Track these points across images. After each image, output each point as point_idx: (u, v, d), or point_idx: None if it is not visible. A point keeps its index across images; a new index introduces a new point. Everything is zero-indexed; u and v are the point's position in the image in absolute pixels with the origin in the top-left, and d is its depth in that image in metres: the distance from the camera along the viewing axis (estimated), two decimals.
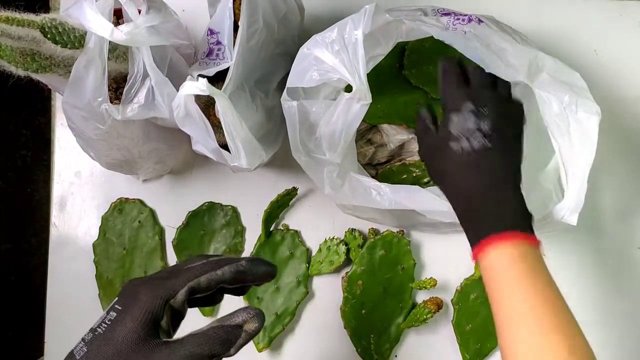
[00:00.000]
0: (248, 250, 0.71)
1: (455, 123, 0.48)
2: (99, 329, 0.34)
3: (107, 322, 0.35)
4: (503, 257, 0.44)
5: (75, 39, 0.51)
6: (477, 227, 0.47)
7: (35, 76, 0.53)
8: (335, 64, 0.50)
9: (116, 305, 0.35)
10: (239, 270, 0.38)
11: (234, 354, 0.35)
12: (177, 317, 0.38)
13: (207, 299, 0.40)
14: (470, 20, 0.55)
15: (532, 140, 0.58)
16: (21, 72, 0.51)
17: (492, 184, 0.47)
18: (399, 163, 0.67)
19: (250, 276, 0.39)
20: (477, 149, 0.47)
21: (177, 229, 0.72)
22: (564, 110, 0.54)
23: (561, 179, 0.55)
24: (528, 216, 0.47)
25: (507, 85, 0.53)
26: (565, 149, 0.54)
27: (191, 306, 0.40)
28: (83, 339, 0.34)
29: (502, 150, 0.48)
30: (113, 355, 0.33)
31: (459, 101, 0.49)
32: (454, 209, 0.50)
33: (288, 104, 0.55)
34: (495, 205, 0.46)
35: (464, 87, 0.51)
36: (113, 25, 0.50)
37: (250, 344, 0.69)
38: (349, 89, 0.51)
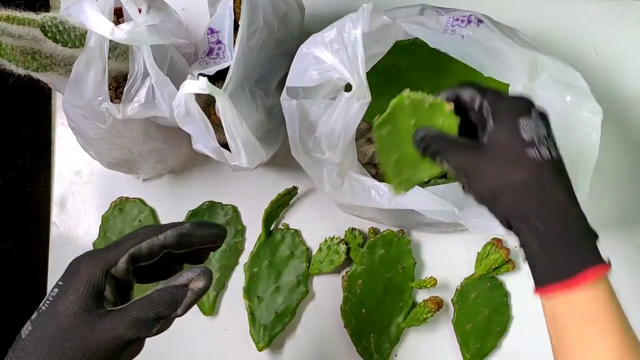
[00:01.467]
0: (248, 250, 0.71)
1: (527, 128, 0.40)
2: (42, 307, 0.35)
3: (50, 299, 0.35)
4: (600, 294, 0.38)
5: (75, 37, 0.51)
6: (568, 255, 0.39)
7: (36, 75, 0.53)
8: (335, 63, 0.50)
9: (59, 282, 0.36)
10: (182, 233, 0.38)
11: (182, 314, 0.35)
12: (125, 287, 0.37)
13: (159, 268, 0.39)
14: (469, 21, 0.55)
15: None
16: (21, 71, 0.51)
17: (572, 199, 0.40)
18: None
19: (196, 239, 0.38)
20: (555, 157, 0.40)
21: None
22: (566, 111, 0.54)
23: None
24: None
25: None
26: (567, 150, 0.54)
27: (143, 280, 0.39)
28: (30, 319, 0.35)
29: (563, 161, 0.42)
30: (57, 330, 0.33)
31: (522, 105, 0.41)
32: (529, 231, 0.39)
33: (287, 103, 0.55)
34: (583, 228, 0.40)
35: (508, 96, 0.44)
36: (113, 24, 0.50)
37: (251, 342, 0.69)
38: (348, 88, 0.51)
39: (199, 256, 0.41)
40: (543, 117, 0.41)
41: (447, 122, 0.44)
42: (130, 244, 0.37)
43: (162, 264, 0.39)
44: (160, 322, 0.35)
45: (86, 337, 0.33)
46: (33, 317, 0.35)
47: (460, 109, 0.44)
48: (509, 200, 0.39)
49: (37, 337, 0.33)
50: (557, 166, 0.40)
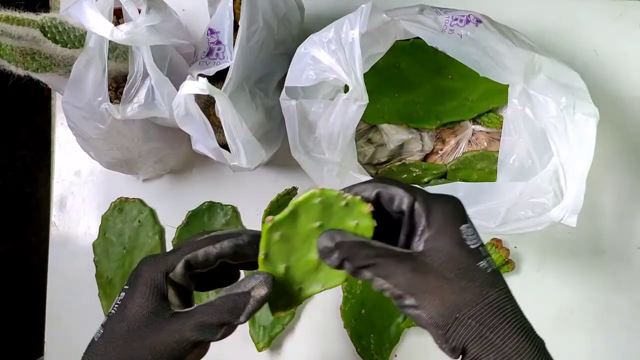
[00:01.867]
0: None
1: (470, 236, 0.35)
2: (112, 311, 0.36)
3: (118, 302, 0.36)
4: None
5: (75, 38, 0.51)
6: None
7: (35, 76, 0.53)
8: (332, 64, 0.50)
9: (125, 286, 0.37)
10: (238, 244, 0.38)
11: (244, 322, 0.35)
12: (184, 291, 0.38)
13: (217, 276, 0.40)
14: (468, 21, 0.55)
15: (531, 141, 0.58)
16: (21, 72, 0.51)
17: (522, 314, 0.36)
18: (399, 163, 0.67)
19: (252, 250, 0.38)
20: (496, 267, 0.35)
21: (177, 228, 0.72)
22: (561, 112, 0.54)
23: (560, 181, 0.55)
24: None
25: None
26: (563, 151, 0.54)
27: (202, 287, 0.40)
28: (101, 324, 0.36)
29: None
30: (126, 331, 0.34)
31: (459, 209, 0.36)
32: (493, 354, 0.33)
33: (287, 103, 0.55)
34: (542, 343, 0.36)
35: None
36: (113, 25, 0.50)
37: (250, 343, 0.69)
38: (347, 88, 0.51)
39: (254, 264, 0.40)
40: (471, 223, 0.36)
41: (363, 225, 0.37)
42: (187, 250, 0.37)
43: (220, 271, 0.39)
44: (223, 327, 0.35)
45: (154, 338, 0.34)
46: (104, 321, 0.36)
47: (377, 210, 0.37)
48: (472, 322, 0.33)
49: (108, 339, 0.35)
50: (502, 278, 0.35)
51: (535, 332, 0.35)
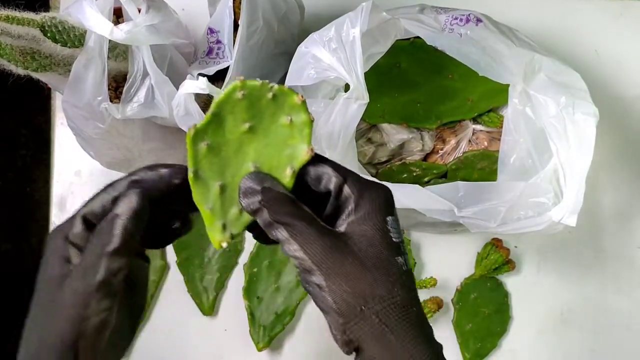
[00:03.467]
0: (248, 250, 0.71)
1: (393, 229, 0.33)
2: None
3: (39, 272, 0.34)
4: None
5: (75, 37, 0.51)
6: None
7: (35, 75, 0.53)
8: (332, 63, 0.50)
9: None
10: (133, 180, 0.35)
11: (120, 244, 0.32)
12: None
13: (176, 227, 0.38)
14: (468, 20, 0.55)
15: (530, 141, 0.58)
16: (21, 71, 0.51)
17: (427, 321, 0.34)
18: (399, 162, 0.67)
19: (150, 183, 0.34)
20: (410, 268, 0.34)
21: None
22: (560, 112, 0.54)
23: (560, 181, 0.55)
24: None
25: None
26: (563, 151, 0.54)
27: (161, 243, 0.38)
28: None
29: None
30: (47, 302, 0.33)
31: (389, 199, 0.34)
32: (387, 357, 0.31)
33: None
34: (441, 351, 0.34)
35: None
36: (113, 24, 0.50)
37: (250, 343, 0.69)
38: (347, 88, 0.51)
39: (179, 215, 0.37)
40: (397, 216, 0.35)
41: (298, 121, 0.34)
42: (83, 207, 0.35)
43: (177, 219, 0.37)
44: (103, 260, 0.32)
45: (66, 301, 0.32)
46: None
47: (298, 186, 0.35)
48: (376, 319, 0.31)
49: (33, 316, 0.34)
50: (414, 279, 0.34)
51: (434, 338, 0.33)
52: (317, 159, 0.34)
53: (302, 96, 0.33)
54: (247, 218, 0.34)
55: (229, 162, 0.33)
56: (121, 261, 0.32)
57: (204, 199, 0.33)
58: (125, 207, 0.33)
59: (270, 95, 0.33)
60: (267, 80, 0.33)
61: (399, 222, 0.34)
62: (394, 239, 0.33)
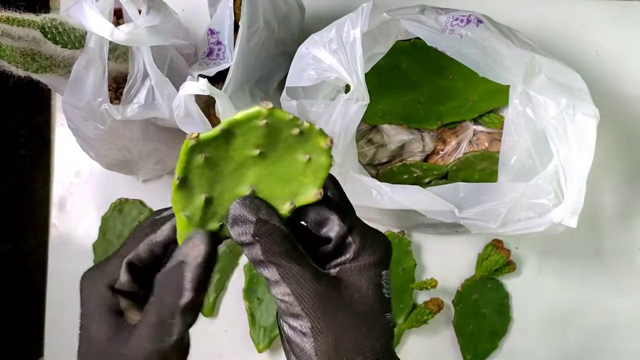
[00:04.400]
0: None
1: (386, 284, 0.32)
2: (80, 334, 0.32)
3: (80, 325, 0.33)
4: None
5: (75, 39, 0.51)
6: None
7: (35, 76, 0.53)
8: (333, 63, 0.50)
9: (81, 307, 0.33)
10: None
11: (193, 296, 0.30)
12: (138, 296, 0.33)
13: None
14: (468, 21, 0.55)
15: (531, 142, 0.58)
16: (21, 72, 0.51)
17: None
18: (400, 163, 0.67)
19: None
20: (394, 325, 0.35)
21: None
22: (561, 113, 0.54)
23: (561, 182, 0.55)
24: None
25: None
26: (564, 152, 0.54)
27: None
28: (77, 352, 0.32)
29: None
30: (96, 355, 0.31)
31: (388, 252, 0.33)
32: None
33: (287, 104, 0.55)
34: None
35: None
36: (113, 26, 0.50)
37: (251, 344, 0.69)
38: (348, 89, 0.51)
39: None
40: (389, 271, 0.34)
41: (317, 162, 0.31)
42: (126, 250, 0.32)
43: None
44: (178, 316, 0.29)
45: None
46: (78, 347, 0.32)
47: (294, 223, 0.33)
48: None
49: None
50: (393, 336, 0.33)
51: None
52: (322, 201, 0.32)
53: (331, 140, 0.30)
54: (224, 234, 0.32)
55: (223, 177, 0.31)
56: (195, 315, 0.30)
57: (184, 206, 0.31)
58: (195, 253, 0.30)
59: (296, 131, 0.30)
60: (297, 116, 0.29)
61: (390, 277, 0.33)
62: (385, 295, 0.32)
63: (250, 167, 0.30)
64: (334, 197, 0.34)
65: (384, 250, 0.32)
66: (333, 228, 0.31)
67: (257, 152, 0.30)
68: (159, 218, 0.33)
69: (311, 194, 0.31)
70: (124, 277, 0.32)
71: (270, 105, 0.28)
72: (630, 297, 0.69)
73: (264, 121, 0.29)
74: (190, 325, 0.31)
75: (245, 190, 0.31)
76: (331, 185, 0.35)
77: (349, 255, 0.31)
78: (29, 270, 0.88)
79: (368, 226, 0.33)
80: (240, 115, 0.29)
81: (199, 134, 0.29)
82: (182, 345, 0.31)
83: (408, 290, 0.68)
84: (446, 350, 0.69)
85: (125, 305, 0.31)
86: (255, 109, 0.28)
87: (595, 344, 0.69)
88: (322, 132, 0.30)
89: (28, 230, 0.92)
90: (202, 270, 0.30)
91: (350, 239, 0.31)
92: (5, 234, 0.90)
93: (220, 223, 0.31)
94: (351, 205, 0.35)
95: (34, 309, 0.75)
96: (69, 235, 0.75)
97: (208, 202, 0.31)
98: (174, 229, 0.32)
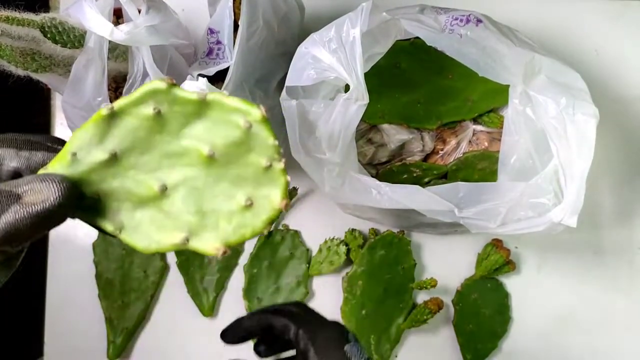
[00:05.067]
0: (248, 250, 0.71)
1: (353, 355, 0.38)
2: None
3: None
4: None
5: (75, 38, 0.51)
6: None
7: (35, 76, 0.53)
8: (332, 63, 0.50)
9: None
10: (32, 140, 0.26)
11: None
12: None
13: None
14: (468, 20, 0.55)
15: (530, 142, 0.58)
16: (21, 72, 0.51)
17: None
18: (400, 163, 0.67)
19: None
20: None
21: None
22: (560, 113, 0.54)
23: (560, 181, 0.55)
24: None
25: None
26: (563, 152, 0.54)
27: None
28: None
29: None
30: None
31: (340, 331, 0.40)
32: None
33: (287, 103, 0.55)
34: None
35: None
36: (113, 25, 0.50)
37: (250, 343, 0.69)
38: (347, 88, 0.51)
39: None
40: (356, 339, 0.39)
41: (246, 219, 0.28)
42: None
43: None
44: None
45: None
46: None
47: (267, 334, 0.43)
48: None
49: None
50: None
51: None
52: (270, 311, 0.42)
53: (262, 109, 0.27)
54: (94, 216, 0.27)
55: (151, 152, 0.26)
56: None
57: (83, 145, 0.25)
58: (40, 197, 0.24)
59: (264, 164, 0.28)
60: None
61: (358, 343, 0.38)
62: None
63: (189, 165, 0.26)
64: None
65: (333, 332, 0.39)
66: (288, 330, 0.40)
67: (207, 150, 0.26)
68: (40, 143, 0.26)
69: (210, 246, 0.27)
70: None
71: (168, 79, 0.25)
72: (630, 296, 0.69)
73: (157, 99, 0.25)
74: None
75: (155, 186, 0.26)
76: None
77: (311, 350, 0.38)
78: (29, 271, 0.88)
79: (314, 320, 0.41)
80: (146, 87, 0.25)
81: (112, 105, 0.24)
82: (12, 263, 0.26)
83: (408, 289, 0.68)
84: (446, 350, 0.69)
85: None
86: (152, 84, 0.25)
87: (595, 343, 0.69)
88: (285, 187, 0.26)
89: None
90: (33, 221, 0.23)
91: (304, 336, 0.39)
92: None
93: (99, 196, 0.25)
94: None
95: (33, 309, 0.75)
96: (69, 234, 0.75)
97: (110, 161, 0.25)
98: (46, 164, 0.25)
